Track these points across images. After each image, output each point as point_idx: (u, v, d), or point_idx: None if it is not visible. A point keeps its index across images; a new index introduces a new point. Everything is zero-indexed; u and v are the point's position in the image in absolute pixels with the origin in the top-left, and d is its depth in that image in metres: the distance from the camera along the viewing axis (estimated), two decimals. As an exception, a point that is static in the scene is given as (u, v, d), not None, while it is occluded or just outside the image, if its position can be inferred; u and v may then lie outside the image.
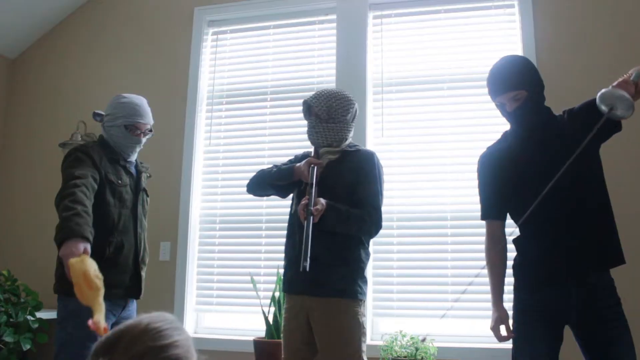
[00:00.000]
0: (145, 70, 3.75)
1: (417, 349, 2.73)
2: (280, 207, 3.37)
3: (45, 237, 3.71)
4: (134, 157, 2.41)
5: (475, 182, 3.16)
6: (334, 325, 2.08)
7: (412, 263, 3.13)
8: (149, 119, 2.35)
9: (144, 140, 2.38)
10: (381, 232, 3.14)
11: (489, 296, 2.94)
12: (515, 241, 2.02)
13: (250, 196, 3.40)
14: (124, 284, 2.27)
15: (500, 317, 2.02)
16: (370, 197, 2.17)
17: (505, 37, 3.26)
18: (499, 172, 2.06)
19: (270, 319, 2.99)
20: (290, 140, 3.44)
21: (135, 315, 2.37)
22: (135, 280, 2.32)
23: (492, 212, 2.07)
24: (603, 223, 1.92)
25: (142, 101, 2.36)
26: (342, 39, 3.43)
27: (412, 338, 2.78)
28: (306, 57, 3.55)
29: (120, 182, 2.29)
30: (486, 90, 3.16)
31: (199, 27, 3.70)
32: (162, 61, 3.73)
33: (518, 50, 3.18)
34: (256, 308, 3.05)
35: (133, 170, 2.41)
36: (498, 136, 3.12)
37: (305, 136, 3.34)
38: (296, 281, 2.17)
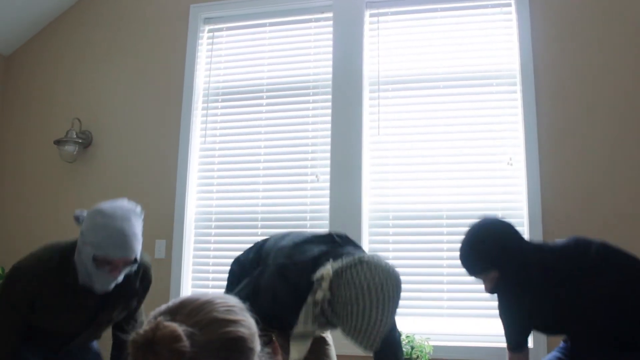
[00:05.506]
0: (140, 68, 3.74)
1: (412, 348, 2.73)
2: (276, 205, 3.37)
3: (39, 235, 3.70)
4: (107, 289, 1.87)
5: (472, 181, 3.19)
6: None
7: (407, 262, 3.13)
8: (128, 252, 1.76)
9: (119, 276, 1.83)
10: (376, 230, 3.20)
11: (485, 295, 2.97)
12: None
13: (246, 194, 3.45)
14: None
15: None
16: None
17: (502, 35, 3.25)
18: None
19: (266, 317, 2.99)
20: (285, 138, 3.44)
21: None
22: None
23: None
24: None
25: (124, 226, 1.75)
26: (338, 37, 3.43)
27: (407, 337, 2.78)
28: (302, 55, 3.54)
29: (69, 314, 1.88)
30: (482, 89, 3.22)
31: (194, 25, 3.68)
32: (157, 58, 3.72)
33: (514, 49, 3.18)
34: (251, 306, 3.05)
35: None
36: (495, 134, 3.15)
37: (300, 134, 3.40)
38: None
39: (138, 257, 1.82)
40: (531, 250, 1.92)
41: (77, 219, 1.84)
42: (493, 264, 1.90)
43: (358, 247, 1.89)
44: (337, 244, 1.86)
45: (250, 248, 2.09)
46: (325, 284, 1.67)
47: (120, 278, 1.84)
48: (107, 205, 1.80)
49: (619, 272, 1.79)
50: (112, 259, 1.75)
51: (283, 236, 1.97)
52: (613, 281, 1.77)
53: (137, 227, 1.81)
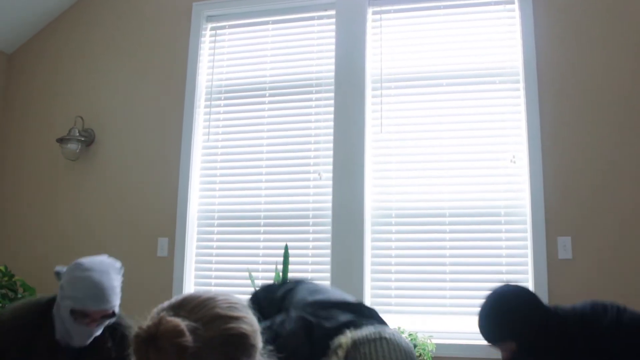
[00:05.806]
0: (143, 66, 3.74)
1: (415, 346, 2.73)
2: (278, 203, 3.37)
3: (42, 233, 3.70)
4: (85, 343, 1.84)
5: (474, 179, 3.19)
6: None
7: (410, 259, 3.13)
8: (105, 304, 1.75)
9: (98, 330, 1.80)
10: (380, 228, 3.19)
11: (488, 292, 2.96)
12: None
13: (249, 192, 3.45)
14: None
15: None
16: None
17: (505, 33, 3.24)
18: None
19: (268, 315, 2.99)
20: (288, 136, 3.44)
21: None
22: None
23: None
24: None
25: (102, 279, 1.76)
26: (341, 34, 3.42)
27: (410, 335, 2.78)
28: (305, 52, 3.54)
29: None
30: (485, 87, 3.21)
31: (197, 23, 3.68)
32: (160, 56, 3.72)
33: (517, 47, 3.17)
34: (254, 304, 3.05)
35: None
36: (497, 132, 3.14)
37: (302, 132, 3.40)
38: None
39: (116, 310, 1.80)
40: (553, 321, 1.88)
41: (58, 275, 1.82)
42: (511, 335, 1.87)
43: (382, 322, 1.86)
44: (363, 315, 1.85)
45: (280, 286, 2.06)
46: (341, 353, 1.65)
47: (99, 331, 1.81)
48: (86, 259, 1.81)
49: (635, 335, 1.78)
50: (90, 312, 1.74)
51: (313, 291, 1.96)
52: (630, 345, 1.76)
53: (116, 280, 1.82)
